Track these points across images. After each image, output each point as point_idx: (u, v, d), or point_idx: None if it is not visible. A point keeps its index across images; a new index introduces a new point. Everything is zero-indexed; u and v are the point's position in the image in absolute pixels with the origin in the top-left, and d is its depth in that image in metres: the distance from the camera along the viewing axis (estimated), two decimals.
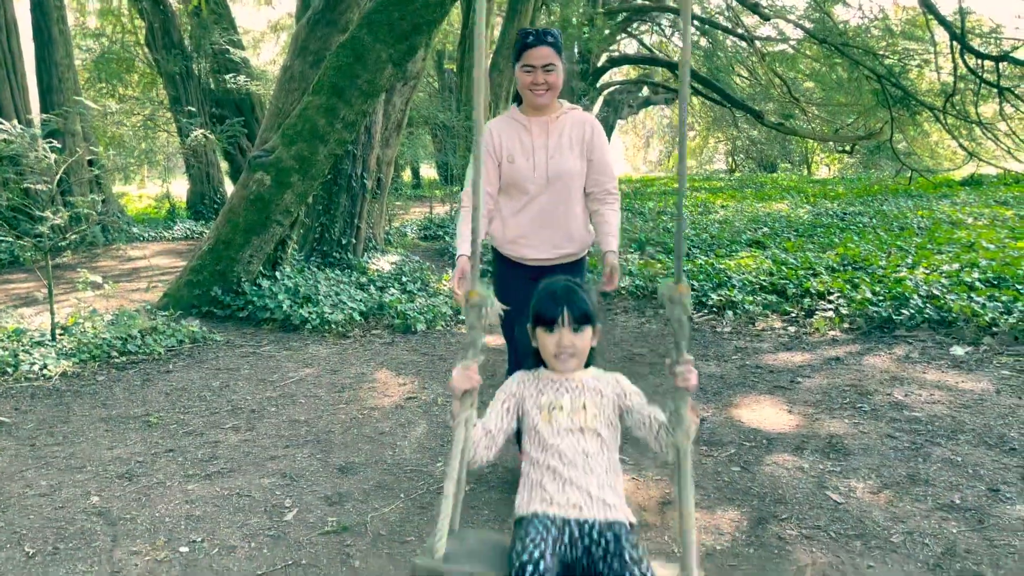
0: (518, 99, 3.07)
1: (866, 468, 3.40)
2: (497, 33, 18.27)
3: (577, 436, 1.92)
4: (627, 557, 1.74)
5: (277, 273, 7.10)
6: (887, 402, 4.18)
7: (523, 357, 2.17)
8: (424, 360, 5.28)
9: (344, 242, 8.97)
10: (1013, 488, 3.15)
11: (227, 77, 14.12)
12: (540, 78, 2.89)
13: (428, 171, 31.07)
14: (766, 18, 17.51)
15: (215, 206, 15.56)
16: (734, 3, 21.05)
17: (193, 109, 14.40)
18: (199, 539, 2.87)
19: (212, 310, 6.59)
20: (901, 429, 3.81)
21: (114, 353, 5.30)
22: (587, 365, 2.05)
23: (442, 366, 5.14)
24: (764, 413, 4.11)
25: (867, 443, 3.66)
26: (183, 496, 3.23)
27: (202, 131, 14.15)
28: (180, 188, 17.52)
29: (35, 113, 11.44)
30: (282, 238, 7.21)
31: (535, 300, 2.03)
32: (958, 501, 3.07)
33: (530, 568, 1.69)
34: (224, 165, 16.33)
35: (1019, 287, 5.95)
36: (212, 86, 14.95)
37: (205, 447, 3.75)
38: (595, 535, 1.80)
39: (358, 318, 6.20)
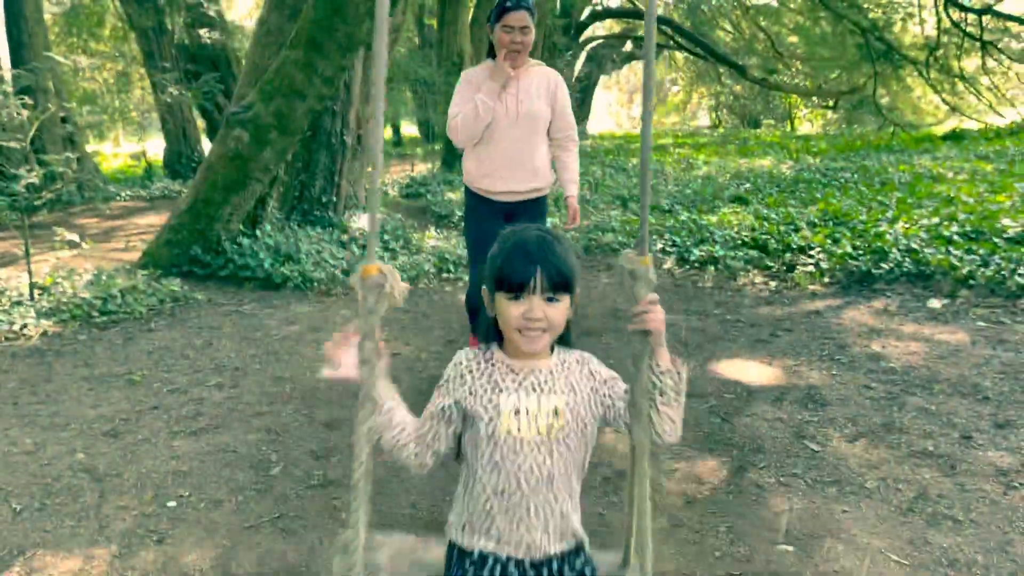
0: (491, 55, 3.57)
1: (843, 418, 3.47)
2: None
3: (543, 453, 1.42)
4: None
5: (257, 231, 7.03)
6: (865, 354, 4.25)
7: (477, 328, 2.01)
8: (407, 317, 5.29)
9: (324, 200, 8.88)
10: (985, 435, 3.23)
11: (202, 32, 13.82)
12: (518, 38, 3.43)
13: (409, 129, 30.78)
14: None
15: (192, 164, 15.32)
16: None
17: (168, 65, 14.11)
18: (186, 494, 2.89)
19: (192, 269, 6.54)
20: (878, 380, 3.88)
21: (94, 313, 5.27)
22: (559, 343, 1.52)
23: (425, 323, 5.16)
24: (744, 366, 4.17)
25: (844, 394, 3.73)
26: (169, 452, 3.24)
27: (177, 87, 13.88)
28: (156, 146, 17.25)
29: (5, 69, 11.17)
30: (262, 196, 7.14)
31: (500, 255, 1.44)
32: (931, 448, 3.15)
33: None
34: (201, 122, 16.08)
35: (996, 240, 6.02)
36: (186, 41, 14.63)
37: (190, 404, 3.76)
38: (553, 571, 1.45)
39: (340, 276, 6.18)
